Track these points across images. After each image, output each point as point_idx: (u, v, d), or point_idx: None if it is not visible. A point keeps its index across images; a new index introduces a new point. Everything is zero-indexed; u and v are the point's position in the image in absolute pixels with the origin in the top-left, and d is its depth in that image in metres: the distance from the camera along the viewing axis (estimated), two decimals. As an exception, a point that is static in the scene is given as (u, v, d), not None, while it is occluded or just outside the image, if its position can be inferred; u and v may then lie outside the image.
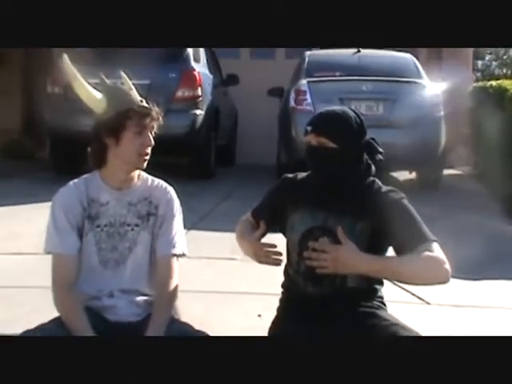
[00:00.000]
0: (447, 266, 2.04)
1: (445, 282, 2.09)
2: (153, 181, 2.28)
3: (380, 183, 2.21)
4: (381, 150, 2.22)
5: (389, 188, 2.20)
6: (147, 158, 2.18)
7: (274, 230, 2.31)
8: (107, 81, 2.22)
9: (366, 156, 2.21)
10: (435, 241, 2.07)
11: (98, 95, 2.18)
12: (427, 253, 2.03)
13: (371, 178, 2.22)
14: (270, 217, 2.22)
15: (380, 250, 2.14)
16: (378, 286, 2.22)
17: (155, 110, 2.17)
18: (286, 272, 2.28)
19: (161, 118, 2.19)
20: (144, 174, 2.27)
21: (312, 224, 2.16)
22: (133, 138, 2.14)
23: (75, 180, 2.24)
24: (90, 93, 2.19)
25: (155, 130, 2.19)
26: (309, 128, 2.20)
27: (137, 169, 2.21)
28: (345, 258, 2.00)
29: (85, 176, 2.24)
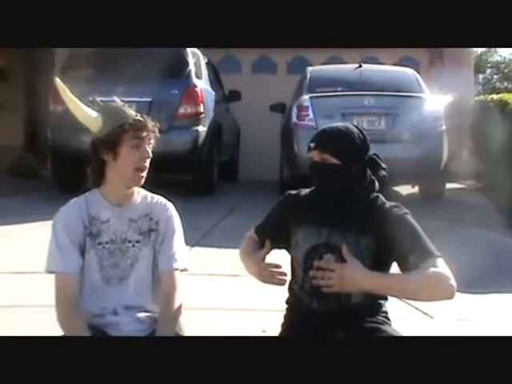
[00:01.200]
0: (452, 281, 2.03)
1: (450, 297, 2.08)
2: (152, 197, 2.29)
3: (384, 199, 2.21)
4: (384, 166, 2.22)
5: (392, 204, 2.19)
6: (144, 174, 2.19)
7: (278, 247, 2.32)
8: (99, 100, 2.24)
9: (369, 172, 2.22)
10: (440, 256, 2.06)
11: (94, 114, 2.20)
12: (432, 269, 2.02)
13: (375, 194, 2.22)
14: (274, 234, 2.22)
15: (384, 266, 2.14)
16: (382, 301, 2.21)
17: (151, 123, 2.18)
18: (290, 288, 2.28)
19: (157, 131, 2.20)
20: (143, 191, 2.28)
21: (317, 241, 2.16)
22: (130, 151, 2.15)
23: (75, 198, 2.25)
24: (86, 112, 2.21)
25: (153, 143, 2.20)
26: (312, 145, 2.21)
27: (135, 185, 2.21)
28: (350, 276, 2.01)
29: (85, 194, 2.25)
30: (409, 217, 2.15)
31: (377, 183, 2.22)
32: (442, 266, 2.04)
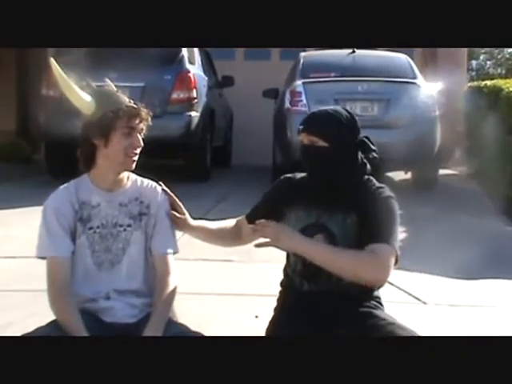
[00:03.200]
0: (382, 271, 2.05)
1: (374, 284, 2.13)
2: (142, 181, 2.29)
3: (375, 181, 2.23)
4: (374, 148, 2.24)
5: (381, 185, 2.22)
6: (135, 158, 2.19)
7: None
8: (93, 84, 2.24)
9: (360, 155, 2.23)
10: (391, 246, 2.06)
11: (88, 97, 2.20)
12: (367, 252, 2.06)
13: (366, 177, 2.23)
14: (266, 215, 2.23)
15: None
16: None
17: (144, 111, 2.18)
18: (284, 271, 2.33)
19: (150, 119, 2.20)
20: (133, 175, 2.28)
21: (307, 221, 2.20)
22: (121, 138, 2.15)
23: (65, 184, 2.24)
24: (80, 95, 2.20)
25: (144, 131, 2.20)
26: (301, 127, 2.25)
27: (125, 170, 2.21)
28: (285, 235, 2.09)
29: (75, 180, 2.25)
30: (390, 200, 2.17)
31: (368, 166, 2.24)
32: (382, 254, 2.04)
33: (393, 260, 2.07)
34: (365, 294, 2.19)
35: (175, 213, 2.31)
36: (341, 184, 2.21)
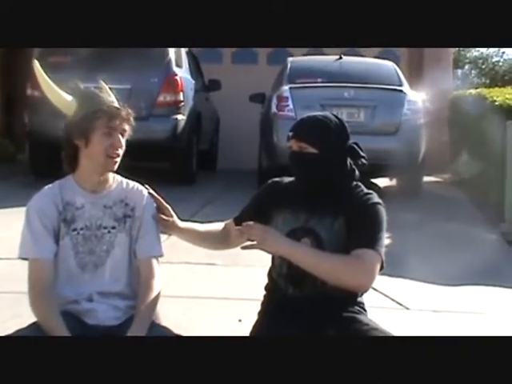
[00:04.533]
0: (366, 276, 2.07)
1: (359, 289, 2.15)
2: (128, 183, 2.28)
3: (363, 187, 2.24)
4: (363, 154, 2.25)
5: (369, 191, 2.23)
6: (118, 159, 2.17)
7: None
8: (81, 85, 2.23)
9: (349, 161, 2.24)
10: (376, 251, 2.08)
11: (69, 98, 2.20)
12: (352, 257, 2.07)
13: (354, 182, 2.25)
14: (255, 219, 2.23)
15: None
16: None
17: (126, 111, 2.17)
18: (269, 274, 2.32)
19: (132, 120, 2.19)
20: (119, 177, 2.27)
21: (294, 225, 2.20)
22: (102, 138, 2.13)
23: (49, 185, 2.23)
24: (61, 96, 2.20)
25: (128, 132, 2.19)
26: (290, 134, 2.25)
27: (108, 171, 2.19)
28: (270, 237, 2.08)
29: (59, 180, 2.24)
30: (377, 207, 2.18)
31: (357, 172, 2.25)
32: (367, 259, 2.06)
33: (378, 266, 2.08)
34: (349, 298, 2.20)
35: (163, 216, 2.30)
36: (329, 189, 2.22)
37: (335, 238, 2.15)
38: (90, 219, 2.18)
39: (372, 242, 2.09)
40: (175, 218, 2.35)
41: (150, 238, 2.23)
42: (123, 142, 2.17)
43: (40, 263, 2.12)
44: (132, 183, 2.29)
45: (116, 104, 2.18)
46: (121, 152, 2.17)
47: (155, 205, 2.29)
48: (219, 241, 2.41)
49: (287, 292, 2.22)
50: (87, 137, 2.13)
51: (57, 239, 2.16)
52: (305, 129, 2.24)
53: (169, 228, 2.33)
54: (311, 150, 2.20)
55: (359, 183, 2.25)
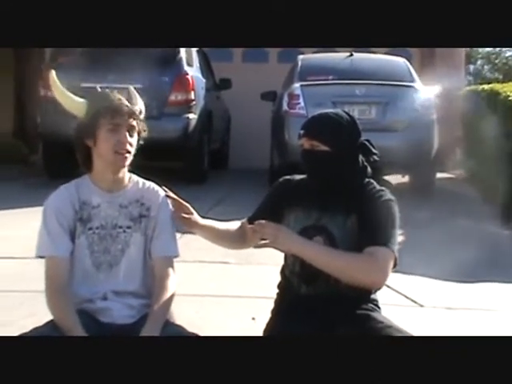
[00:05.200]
0: (379, 273, 2.07)
1: (372, 287, 2.15)
2: (144, 183, 2.29)
3: (375, 184, 2.24)
4: (375, 151, 2.25)
5: (381, 188, 2.22)
6: (127, 156, 2.18)
7: None
8: (99, 89, 2.26)
9: (361, 158, 2.24)
10: (389, 249, 2.08)
11: (80, 100, 2.23)
12: (365, 255, 2.07)
13: (366, 179, 2.24)
14: (267, 216, 2.23)
15: None
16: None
17: (130, 106, 2.17)
18: (282, 272, 2.32)
19: (140, 116, 2.19)
20: (135, 177, 2.28)
21: (306, 223, 2.21)
22: (107, 135, 2.15)
23: (66, 184, 2.25)
24: (73, 100, 2.23)
25: (139, 128, 2.20)
26: (302, 132, 2.24)
27: (118, 167, 2.19)
28: (282, 236, 2.08)
29: (76, 180, 2.26)
30: (391, 203, 2.17)
31: (369, 169, 2.24)
32: (380, 256, 2.06)
33: (391, 263, 2.08)
34: (362, 296, 2.20)
35: (183, 214, 2.30)
36: (341, 187, 2.21)
37: (348, 236, 2.15)
38: (106, 218, 2.20)
39: (385, 239, 2.09)
40: (195, 215, 2.35)
41: (165, 238, 2.24)
42: (132, 138, 2.17)
43: (56, 261, 2.14)
44: (148, 183, 2.29)
45: (124, 101, 2.18)
46: (130, 148, 2.17)
47: (171, 205, 2.29)
48: (236, 239, 2.40)
49: (300, 290, 2.22)
50: (94, 135, 2.15)
51: (73, 238, 2.17)
52: (316, 127, 2.23)
53: (190, 225, 2.33)
54: (323, 147, 2.20)
55: (371, 180, 2.25)
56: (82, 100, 2.23)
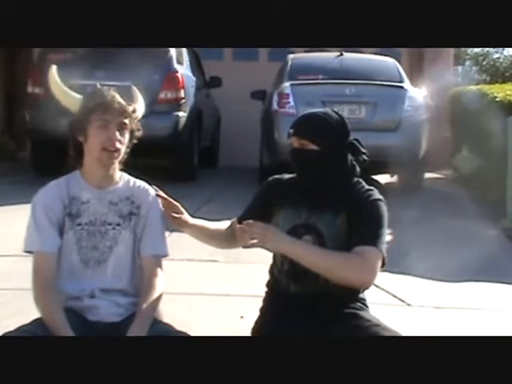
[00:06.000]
0: (368, 273, 2.08)
1: (361, 286, 2.15)
2: (134, 182, 2.29)
3: (364, 183, 2.24)
4: (364, 150, 2.25)
5: (370, 188, 2.23)
6: (117, 154, 2.17)
7: None
8: (99, 86, 2.26)
9: (350, 157, 2.24)
10: (377, 248, 2.08)
11: (77, 96, 2.23)
12: (354, 254, 2.08)
13: (355, 179, 2.25)
14: (256, 216, 2.23)
15: None
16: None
17: (121, 104, 2.16)
18: (271, 271, 2.33)
19: (130, 113, 2.19)
20: (126, 175, 2.28)
21: (296, 222, 2.21)
22: (97, 132, 2.15)
23: (56, 180, 2.24)
24: (70, 95, 2.24)
25: (131, 127, 2.19)
26: (291, 131, 2.25)
27: (106, 164, 2.18)
28: (271, 235, 2.07)
29: (67, 175, 2.25)
30: (379, 203, 2.18)
31: (358, 168, 2.25)
32: (369, 256, 2.06)
33: (379, 262, 2.09)
34: (350, 295, 2.20)
35: (174, 214, 2.30)
36: (330, 186, 2.22)
37: (336, 235, 2.16)
38: (95, 214, 2.19)
39: (373, 238, 2.09)
40: (186, 214, 2.35)
41: (154, 237, 2.23)
42: (122, 136, 2.16)
43: (44, 256, 2.13)
44: (139, 182, 2.29)
45: (116, 98, 2.18)
46: (119, 145, 2.16)
47: (161, 205, 2.29)
48: (225, 239, 2.40)
49: (289, 289, 2.22)
50: (85, 131, 2.16)
51: (61, 233, 2.17)
52: (306, 126, 2.24)
53: (180, 225, 2.33)
54: (312, 146, 2.20)
55: (360, 179, 2.25)
56: (78, 96, 2.24)
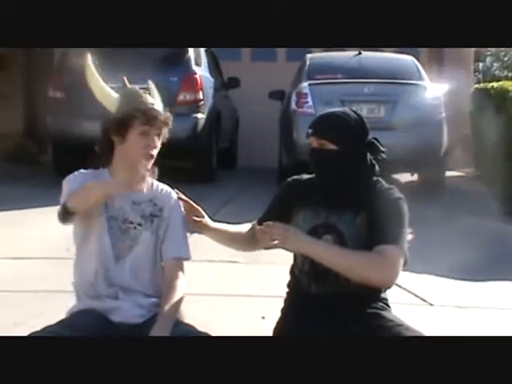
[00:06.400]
0: (390, 272, 2.06)
1: (382, 285, 2.14)
2: (158, 185, 2.32)
3: (384, 182, 2.24)
4: (383, 149, 2.24)
5: (390, 187, 2.22)
6: (152, 159, 2.22)
7: None
8: (128, 84, 2.30)
9: (369, 156, 2.23)
10: (399, 247, 2.07)
11: (115, 95, 2.26)
12: (375, 253, 2.06)
13: (375, 178, 2.24)
14: (277, 217, 2.23)
15: None
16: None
17: (165, 115, 2.22)
18: (292, 272, 2.33)
19: (170, 124, 2.25)
20: (149, 179, 2.30)
21: (315, 222, 2.21)
22: (138, 137, 2.19)
23: (83, 170, 2.29)
24: (107, 92, 2.27)
25: (164, 135, 2.24)
26: (310, 131, 2.24)
27: (138, 172, 2.18)
28: (292, 236, 2.07)
29: (93, 170, 2.29)
30: (400, 202, 2.17)
31: (377, 167, 2.24)
32: (390, 255, 2.05)
33: (401, 261, 2.07)
34: (372, 295, 2.19)
35: (195, 217, 2.32)
36: (349, 185, 2.21)
37: (357, 234, 2.15)
38: (118, 211, 2.22)
39: (394, 237, 2.08)
40: (206, 218, 2.37)
41: (176, 240, 2.26)
42: (158, 143, 2.22)
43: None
44: (162, 185, 2.33)
45: (157, 106, 2.23)
46: (154, 152, 2.21)
47: (183, 208, 2.31)
48: (246, 242, 2.41)
49: (310, 289, 2.22)
50: (124, 134, 2.19)
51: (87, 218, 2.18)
52: (324, 126, 2.24)
53: (201, 228, 2.36)
54: (331, 146, 2.20)
55: (380, 179, 2.25)
56: (115, 95, 2.26)
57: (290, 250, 2.18)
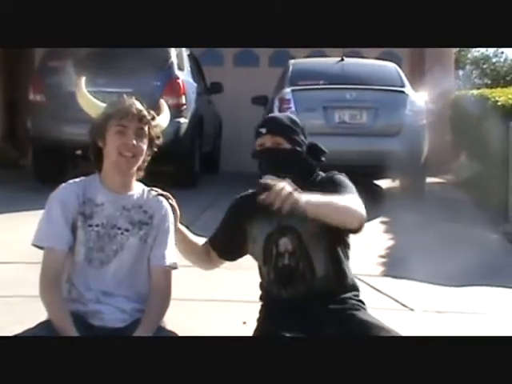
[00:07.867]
0: (362, 208, 2.10)
1: (361, 221, 2.10)
2: (149, 192, 2.31)
3: (323, 174, 2.29)
4: (326, 150, 2.30)
5: (329, 172, 2.28)
6: (133, 160, 2.21)
7: (240, 255, 2.43)
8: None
9: (310, 158, 2.29)
10: (355, 195, 2.14)
11: (102, 105, 2.28)
12: (347, 196, 2.12)
13: (316, 174, 2.30)
14: (230, 237, 2.27)
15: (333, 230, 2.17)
16: (350, 283, 2.25)
17: (136, 110, 2.20)
18: (261, 285, 2.36)
19: (148, 119, 2.23)
20: (141, 185, 2.31)
21: (270, 229, 2.23)
22: (114, 137, 2.19)
23: (75, 179, 2.28)
24: (96, 105, 2.29)
25: (152, 134, 2.25)
26: (263, 130, 2.27)
27: (123, 169, 2.21)
28: (289, 189, 1.95)
29: (86, 177, 2.29)
30: (341, 176, 2.23)
31: (318, 169, 2.31)
32: (355, 198, 2.12)
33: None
34: (343, 293, 2.21)
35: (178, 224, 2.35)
36: (298, 183, 2.20)
37: (309, 227, 2.16)
38: (107, 217, 2.22)
39: (349, 192, 2.14)
40: (179, 225, 2.39)
41: (164, 248, 2.25)
42: (140, 142, 2.20)
43: (54, 253, 2.15)
44: (153, 192, 2.32)
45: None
46: (136, 152, 2.20)
47: (174, 216, 2.31)
48: (204, 259, 2.44)
49: (280, 295, 2.24)
50: (104, 136, 2.20)
51: (73, 231, 2.19)
52: (279, 124, 2.29)
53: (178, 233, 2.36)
54: (286, 145, 2.24)
55: (320, 173, 2.30)
56: (103, 105, 2.29)
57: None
